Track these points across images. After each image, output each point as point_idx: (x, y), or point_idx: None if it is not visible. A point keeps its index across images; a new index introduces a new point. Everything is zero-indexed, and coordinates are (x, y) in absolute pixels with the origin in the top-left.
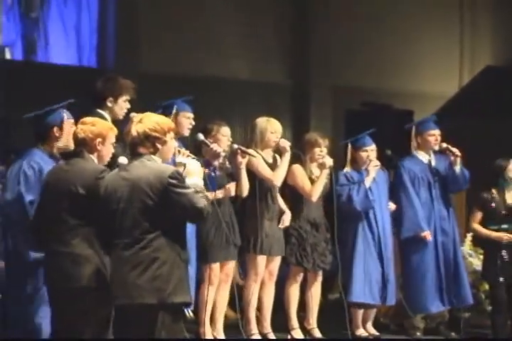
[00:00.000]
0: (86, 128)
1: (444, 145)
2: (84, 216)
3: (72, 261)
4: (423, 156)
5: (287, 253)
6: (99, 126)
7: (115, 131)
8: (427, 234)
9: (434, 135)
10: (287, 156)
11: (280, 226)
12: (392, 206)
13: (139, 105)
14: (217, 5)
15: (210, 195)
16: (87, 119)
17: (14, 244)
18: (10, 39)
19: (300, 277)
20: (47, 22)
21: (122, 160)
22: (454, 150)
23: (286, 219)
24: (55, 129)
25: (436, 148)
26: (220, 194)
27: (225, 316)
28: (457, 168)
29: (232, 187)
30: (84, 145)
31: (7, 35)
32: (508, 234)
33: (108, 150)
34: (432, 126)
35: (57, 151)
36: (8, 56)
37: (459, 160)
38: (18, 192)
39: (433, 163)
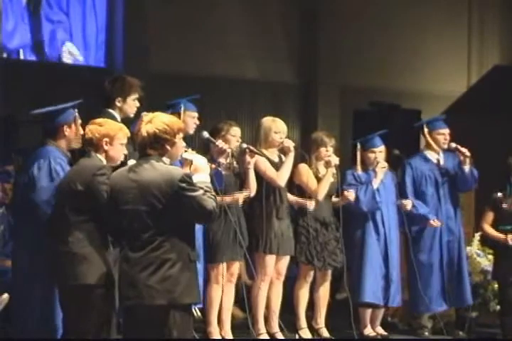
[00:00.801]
0: (93, 128)
1: (453, 145)
2: (84, 213)
3: (71, 260)
4: (431, 155)
5: (297, 252)
6: (107, 126)
7: (126, 131)
8: (435, 222)
9: (444, 134)
10: (291, 156)
11: (310, 208)
12: (408, 204)
13: (148, 105)
14: (227, 5)
15: (218, 198)
16: (97, 120)
17: (47, 242)
18: (24, 41)
19: (310, 277)
20: (56, 21)
21: (132, 163)
22: (463, 150)
23: (309, 204)
24: (65, 128)
25: (446, 147)
26: (227, 199)
27: (233, 316)
28: (466, 168)
29: (240, 196)
30: (91, 145)
31: (21, 37)
32: None
33: (117, 151)
34: (442, 125)
35: (67, 149)
36: (21, 56)
37: (468, 160)
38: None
39: (442, 162)
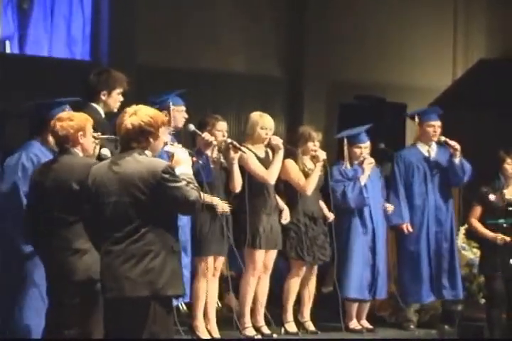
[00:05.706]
0: (65, 124)
1: (443, 138)
2: (78, 212)
3: (70, 256)
4: (422, 147)
5: (287, 247)
6: (77, 119)
7: (91, 120)
8: (406, 226)
9: (434, 126)
10: (280, 154)
11: (283, 221)
12: (390, 207)
13: (135, 98)
14: None
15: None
16: (63, 115)
17: (9, 236)
18: (9, 32)
19: (302, 271)
20: (39, 14)
21: (105, 151)
22: (453, 143)
23: (286, 214)
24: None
25: (435, 139)
26: (216, 201)
27: (229, 309)
28: (456, 161)
29: (225, 207)
30: (67, 141)
31: (7, 28)
32: (502, 236)
33: (89, 141)
34: (432, 117)
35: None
36: (8, 50)
37: (458, 153)
38: (14, 183)
39: (433, 155)
